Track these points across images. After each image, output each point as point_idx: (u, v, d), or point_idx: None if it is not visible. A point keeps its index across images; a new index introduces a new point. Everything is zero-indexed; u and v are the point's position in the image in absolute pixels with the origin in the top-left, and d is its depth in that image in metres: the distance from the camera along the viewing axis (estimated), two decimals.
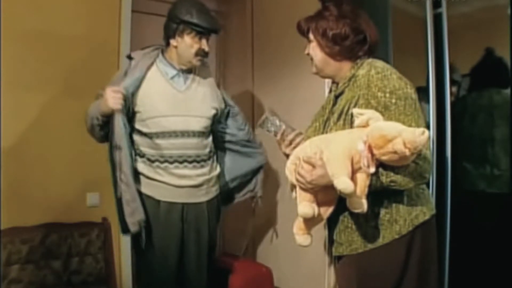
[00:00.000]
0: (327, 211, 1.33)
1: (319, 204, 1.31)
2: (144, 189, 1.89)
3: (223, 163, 2.12)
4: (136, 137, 1.91)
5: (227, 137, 2.12)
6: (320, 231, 1.50)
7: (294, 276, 2.58)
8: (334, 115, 1.36)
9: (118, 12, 2.44)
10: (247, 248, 2.90)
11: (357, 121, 1.25)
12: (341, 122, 1.33)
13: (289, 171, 1.36)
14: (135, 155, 1.91)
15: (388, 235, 1.28)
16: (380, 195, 1.27)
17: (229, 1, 3.00)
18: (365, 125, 1.23)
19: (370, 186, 1.22)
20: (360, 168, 1.20)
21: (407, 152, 1.14)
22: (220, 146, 2.11)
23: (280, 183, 2.66)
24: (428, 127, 1.59)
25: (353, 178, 1.19)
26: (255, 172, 2.21)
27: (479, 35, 2.21)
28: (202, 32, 1.85)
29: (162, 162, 1.87)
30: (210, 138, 2.01)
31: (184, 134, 1.89)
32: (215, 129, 2.07)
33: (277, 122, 1.44)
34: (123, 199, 1.78)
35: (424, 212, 1.32)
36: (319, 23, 1.39)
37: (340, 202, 1.30)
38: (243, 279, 2.52)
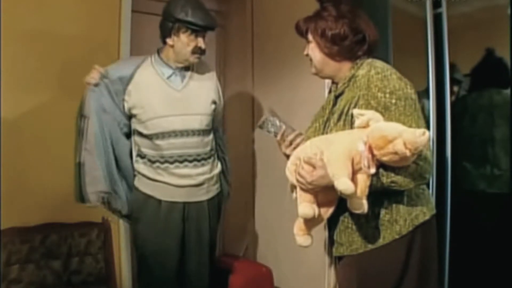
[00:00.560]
0: (327, 212, 1.33)
1: (320, 205, 1.31)
2: (145, 189, 1.90)
3: None
4: (136, 139, 1.91)
5: None
6: (321, 231, 1.50)
7: (294, 276, 2.58)
8: (334, 116, 1.36)
9: (118, 12, 2.43)
10: (247, 248, 2.90)
11: (357, 122, 1.25)
12: (341, 122, 1.33)
13: (290, 171, 1.36)
14: (136, 156, 1.92)
15: (388, 235, 1.29)
16: (380, 195, 1.27)
17: (229, 1, 2.99)
18: (366, 125, 1.23)
19: (370, 186, 1.22)
20: (360, 168, 1.20)
21: (408, 153, 1.14)
22: None
23: (280, 183, 2.66)
24: (428, 127, 1.59)
25: (353, 178, 1.19)
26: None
27: (479, 35, 2.22)
28: (198, 30, 1.85)
29: (162, 163, 1.87)
30: (211, 136, 2.00)
31: (183, 133, 1.88)
32: None
33: (277, 123, 1.44)
34: (85, 167, 1.82)
35: (424, 212, 1.33)
36: (317, 24, 1.39)
37: (341, 203, 1.30)
38: (243, 279, 2.53)
